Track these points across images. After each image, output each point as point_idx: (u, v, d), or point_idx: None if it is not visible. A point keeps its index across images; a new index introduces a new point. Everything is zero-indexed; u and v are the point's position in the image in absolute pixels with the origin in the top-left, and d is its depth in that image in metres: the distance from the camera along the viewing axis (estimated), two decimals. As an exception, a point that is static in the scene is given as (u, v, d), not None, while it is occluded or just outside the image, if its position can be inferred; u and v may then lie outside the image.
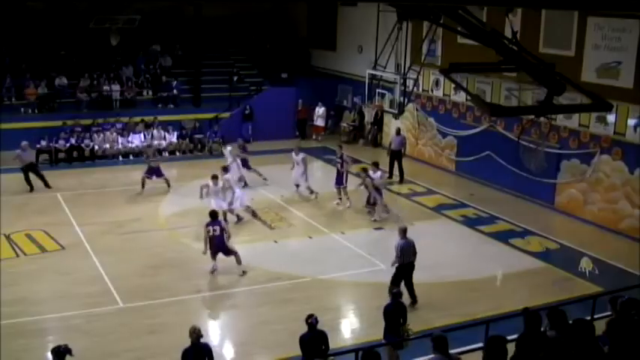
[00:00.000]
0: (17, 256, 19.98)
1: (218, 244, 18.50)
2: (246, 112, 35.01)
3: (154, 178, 25.96)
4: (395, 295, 13.85)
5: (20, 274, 18.67)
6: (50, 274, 18.75)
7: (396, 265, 16.84)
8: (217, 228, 18.46)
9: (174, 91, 35.00)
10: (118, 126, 32.29)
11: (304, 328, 12.48)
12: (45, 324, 16.28)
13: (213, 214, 18.89)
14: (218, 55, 37.64)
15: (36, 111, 32.57)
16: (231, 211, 22.55)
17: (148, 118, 32.92)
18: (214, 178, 22.14)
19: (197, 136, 33.24)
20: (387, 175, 27.31)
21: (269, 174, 27.24)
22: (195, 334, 12.02)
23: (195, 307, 17.42)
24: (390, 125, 32.82)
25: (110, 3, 27.58)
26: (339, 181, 24.88)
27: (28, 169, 26.23)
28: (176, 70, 36.30)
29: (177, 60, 36.76)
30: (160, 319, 16.34)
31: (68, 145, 30.59)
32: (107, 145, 31.19)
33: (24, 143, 26.58)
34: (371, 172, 23.52)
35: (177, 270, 19.22)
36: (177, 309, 16.88)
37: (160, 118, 33.23)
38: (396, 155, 28.43)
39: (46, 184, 26.01)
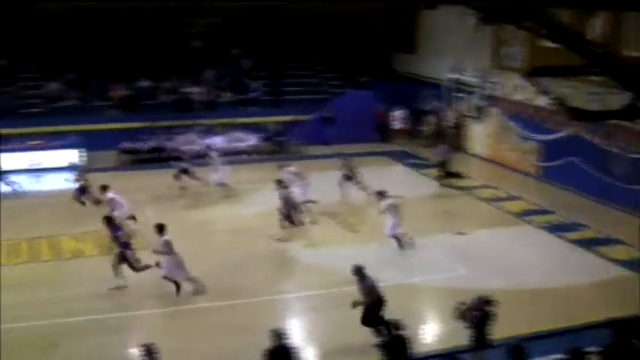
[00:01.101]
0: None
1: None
2: (327, 115, 35.00)
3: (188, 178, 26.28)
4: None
5: (106, 271, 19.05)
6: (136, 273, 19.04)
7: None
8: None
9: (255, 94, 35.23)
10: (199, 128, 32.64)
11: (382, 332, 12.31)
12: (129, 321, 16.53)
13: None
14: (299, 57, 37.73)
15: (119, 112, 33.21)
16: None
17: (228, 120, 33.19)
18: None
19: (278, 138, 33.36)
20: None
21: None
22: (279, 335, 12.06)
23: (276, 308, 17.41)
24: (471, 129, 32.41)
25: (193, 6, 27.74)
26: None
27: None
28: (257, 73, 36.53)
29: (258, 62, 36.96)
30: (242, 320, 16.39)
31: (150, 146, 31.08)
32: (188, 147, 31.53)
33: None
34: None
35: (260, 271, 19.32)
36: (259, 310, 16.91)
37: (241, 120, 33.50)
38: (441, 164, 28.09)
39: None
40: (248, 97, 35.37)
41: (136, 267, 17.92)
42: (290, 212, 21.36)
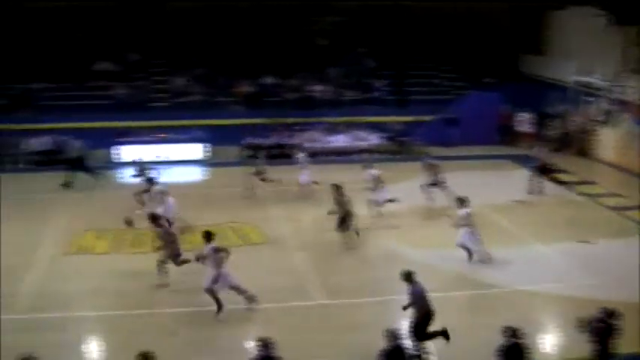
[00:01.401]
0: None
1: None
2: (450, 116, 34.41)
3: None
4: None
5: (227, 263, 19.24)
6: (251, 266, 19.13)
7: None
8: None
9: (378, 93, 35.01)
10: (322, 126, 32.63)
11: (499, 339, 11.86)
12: (241, 313, 16.56)
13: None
14: (424, 57, 37.27)
15: (243, 108, 33.58)
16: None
17: (351, 119, 33.07)
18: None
19: (400, 138, 33.02)
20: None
21: (470, 180, 26.53)
22: (394, 336, 11.84)
23: (392, 308, 17.08)
24: (599, 135, 31.21)
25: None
26: None
27: None
28: (381, 72, 36.29)
29: (382, 61, 36.71)
30: (355, 318, 16.19)
31: (272, 142, 31.29)
32: (310, 144, 31.60)
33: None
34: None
35: (379, 270, 19.03)
36: (376, 308, 16.66)
37: (363, 119, 33.32)
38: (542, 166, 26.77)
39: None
40: (371, 96, 35.17)
41: (177, 263, 17.87)
42: (345, 218, 20.69)
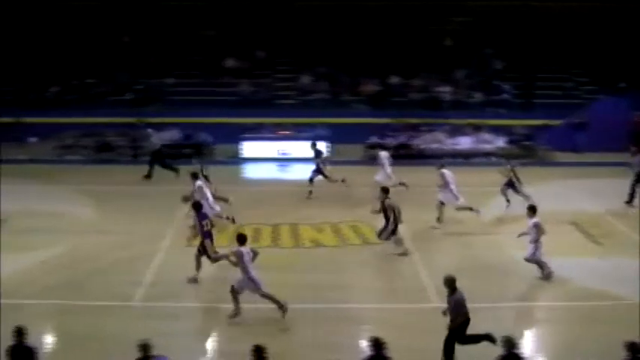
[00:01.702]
0: (341, 245, 20.76)
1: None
2: (579, 121, 33.33)
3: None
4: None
5: (341, 262, 19.41)
6: (370, 266, 19.09)
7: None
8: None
9: (505, 95, 34.31)
10: (447, 127, 32.25)
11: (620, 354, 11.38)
12: (355, 312, 16.54)
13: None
14: (553, 60, 36.28)
15: (368, 107, 33.52)
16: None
17: (476, 121, 32.54)
18: None
19: (525, 142, 32.25)
20: None
21: (594, 186, 25.69)
22: (510, 343, 11.61)
23: (507, 316, 16.70)
24: None
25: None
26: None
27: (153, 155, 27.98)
28: (508, 74, 35.57)
29: (510, 63, 35.97)
30: (477, 324, 15.86)
31: (396, 142, 31.09)
32: (434, 145, 31.26)
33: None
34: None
35: (494, 276, 18.60)
36: (488, 315, 16.28)
37: (489, 121, 32.72)
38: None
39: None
40: (497, 99, 34.51)
41: (211, 257, 17.82)
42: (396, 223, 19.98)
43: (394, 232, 19.75)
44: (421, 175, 26.37)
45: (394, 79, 34.75)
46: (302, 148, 30.66)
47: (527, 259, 18.12)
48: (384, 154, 26.01)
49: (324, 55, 35.71)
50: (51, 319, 16.36)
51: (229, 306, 16.10)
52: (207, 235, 17.88)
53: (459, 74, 35.24)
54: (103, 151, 31.77)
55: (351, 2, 35.55)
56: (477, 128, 32.15)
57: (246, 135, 31.39)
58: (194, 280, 17.89)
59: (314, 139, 28.85)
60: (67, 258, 19.89)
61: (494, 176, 25.20)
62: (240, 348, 13.22)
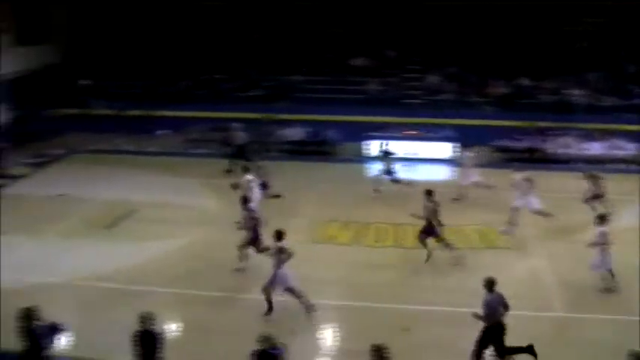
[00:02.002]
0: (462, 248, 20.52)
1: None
2: None
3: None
4: None
5: (463, 265, 19.30)
6: (494, 271, 18.84)
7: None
8: None
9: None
10: (577, 132, 31.43)
11: None
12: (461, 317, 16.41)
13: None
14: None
15: (496, 109, 33.02)
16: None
17: (608, 126, 31.57)
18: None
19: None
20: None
21: None
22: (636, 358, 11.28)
23: (634, 329, 16.18)
24: None
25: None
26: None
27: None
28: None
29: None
30: (594, 334, 15.50)
31: (524, 145, 30.56)
32: (563, 150, 30.55)
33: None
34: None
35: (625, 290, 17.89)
36: (615, 328, 15.86)
37: (622, 127, 31.68)
38: None
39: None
40: (631, 103, 33.35)
41: (259, 249, 18.40)
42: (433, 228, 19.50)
43: (427, 234, 19.53)
44: (547, 180, 25.86)
45: (524, 81, 34.10)
46: (429, 149, 30.61)
47: (595, 270, 17.67)
48: (467, 155, 25.82)
49: (453, 55, 35.44)
50: (173, 308, 16.99)
51: (349, 304, 16.32)
52: (252, 227, 18.69)
53: (591, 77, 34.23)
54: (230, 145, 32.41)
55: (482, 1, 35.11)
56: (604, 134, 31.13)
57: (373, 134, 31.46)
58: (240, 270, 18.65)
59: (441, 140, 28.83)
60: (191, 249, 20.62)
61: (624, 184, 24.57)
62: (356, 347, 13.39)
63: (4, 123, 32.51)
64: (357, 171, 29.15)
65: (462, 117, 32.06)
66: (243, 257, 18.75)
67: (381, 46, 36.58)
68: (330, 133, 31.89)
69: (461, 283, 17.98)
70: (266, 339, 11.88)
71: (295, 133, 32.48)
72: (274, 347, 11.89)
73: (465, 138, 30.06)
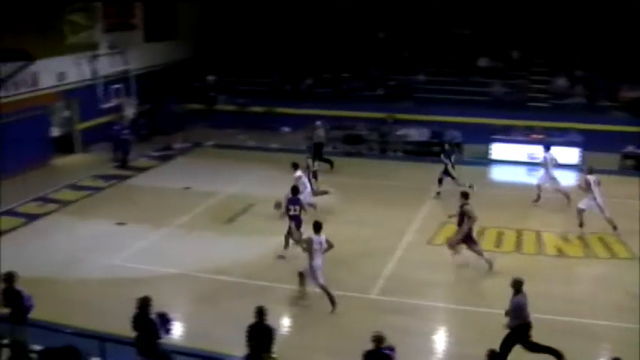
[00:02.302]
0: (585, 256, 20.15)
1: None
2: None
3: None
4: None
5: (581, 274, 19.02)
6: (609, 281, 18.28)
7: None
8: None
9: None
10: None
11: None
12: (589, 328, 15.95)
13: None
14: None
15: (626, 115, 31.84)
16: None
17: None
18: None
19: None
20: None
21: None
22: None
23: None
24: None
25: None
26: None
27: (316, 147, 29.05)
28: None
29: None
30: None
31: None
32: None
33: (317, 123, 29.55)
34: None
35: None
36: None
37: None
38: None
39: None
40: None
41: (294, 239, 19.35)
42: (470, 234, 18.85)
43: (466, 240, 18.97)
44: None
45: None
46: (555, 154, 29.73)
47: None
48: (548, 156, 24.92)
49: (581, 58, 34.39)
50: (288, 303, 17.20)
51: (465, 308, 16.04)
52: (295, 218, 19.49)
53: None
54: (351, 143, 32.58)
55: (614, 2, 33.89)
56: None
57: (496, 137, 30.89)
58: (281, 257, 19.56)
59: (566, 145, 28.02)
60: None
61: None
62: (471, 351, 13.15)
63: (132, 117, 33.56)
64: (479, 173, 28.59)
65: (589, 122, 31.04)
66: (286, 245, 19.78)
67: (506, 46, 35.88)
68: (453, 134, 31.49)
69: (574, 293, 17.62)
70: (379, 339, 11.82)
71: (417, 134, 32.25)
72: (387, 347, 11.80)
73: (590, 144, 29.19)
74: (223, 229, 22.24)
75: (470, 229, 18.90)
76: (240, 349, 12.68)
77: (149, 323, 12.34)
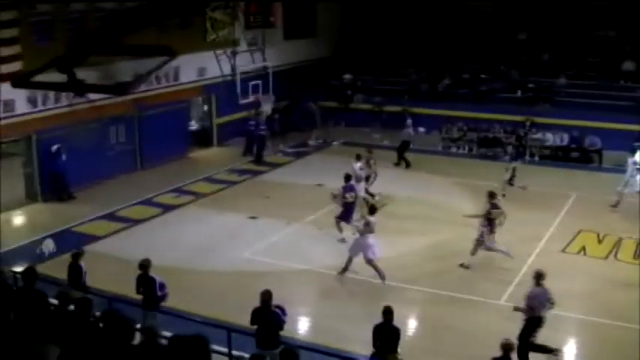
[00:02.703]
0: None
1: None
2: None
3: None
4: None
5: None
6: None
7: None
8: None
9: None
10: None
11: None
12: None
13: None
14: None
15: None
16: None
17: None
18: None
19: None
20: None
21: None
22: None
23: None
24: None
25: None
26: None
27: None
28: None
29: None
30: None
31: None
32: None
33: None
34: None
35: None
36: None
37: None
38: None
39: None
40: None
41: (348, 222, 20.76)
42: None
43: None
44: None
45: None
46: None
47: None
48: (631, 161, 24.18)
49: None
50: (415, 305, 17.20)
51: (598, 320, 15.47)
52: (348, 205, 20.90)
53: None
54: (487, 146, 32.02)
55: None
56: None
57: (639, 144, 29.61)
58: (342, 240, 20.45)
59: None
60: (440, 248, 20.53)
61: None
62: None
63: (269, 113, 34.09)
64: (618, 181, 27.47)
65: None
66: (340, 229, 20.93)
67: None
68: (593, 140, 30.40)
69: None
70: (508, 346, 11.58)
71: (556, 138, 31.37)
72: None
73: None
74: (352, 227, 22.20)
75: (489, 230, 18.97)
76: (363, 347, 12.63)
77: (271, 315, 12.41)
